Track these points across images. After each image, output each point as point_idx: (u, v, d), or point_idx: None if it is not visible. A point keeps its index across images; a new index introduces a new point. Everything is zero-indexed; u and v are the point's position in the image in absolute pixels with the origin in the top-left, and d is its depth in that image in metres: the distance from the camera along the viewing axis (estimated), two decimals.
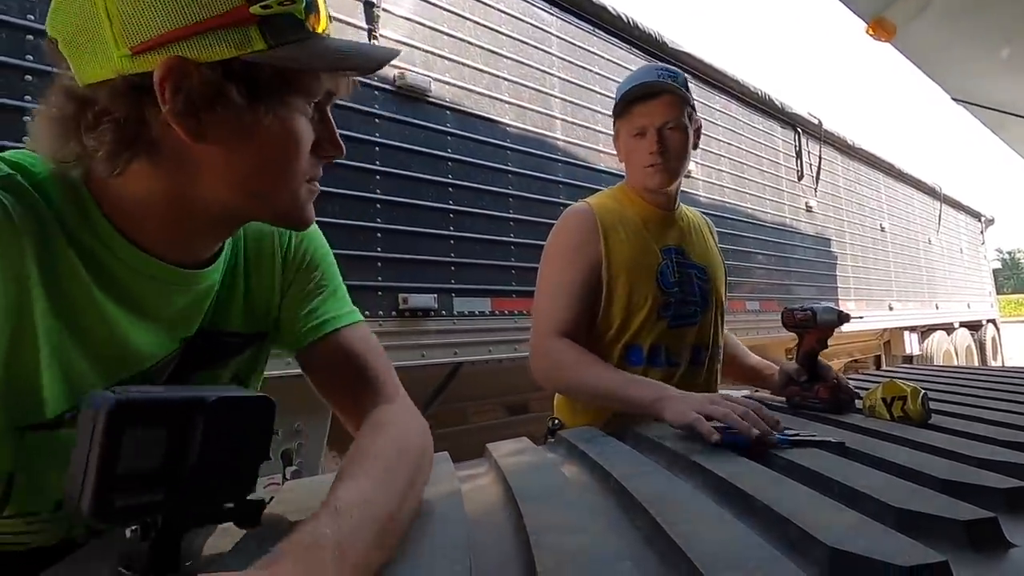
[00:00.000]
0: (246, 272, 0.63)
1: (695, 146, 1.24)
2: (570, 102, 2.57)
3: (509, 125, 2.30)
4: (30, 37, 1.26)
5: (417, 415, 0.66)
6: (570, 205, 1.28)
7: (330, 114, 0.54)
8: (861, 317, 4.34)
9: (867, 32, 2.26)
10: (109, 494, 0.27)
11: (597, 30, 2.77)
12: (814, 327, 1.08)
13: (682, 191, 1.31)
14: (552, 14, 2.55)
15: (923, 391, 0.89)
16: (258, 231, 0.63)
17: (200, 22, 0.42)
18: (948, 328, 6.40)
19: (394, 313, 1.85)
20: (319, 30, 0.49)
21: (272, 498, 0.65)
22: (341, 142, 0.55)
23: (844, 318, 1.06)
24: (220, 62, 0.43)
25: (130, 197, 0.49)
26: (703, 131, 1.28)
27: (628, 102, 1.17)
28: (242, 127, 0.46)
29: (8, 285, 0.43)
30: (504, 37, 2.32)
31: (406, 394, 0.68)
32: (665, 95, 1.15)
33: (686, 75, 1.23)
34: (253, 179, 0.49)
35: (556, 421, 1.19)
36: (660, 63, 1.27)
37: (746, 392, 1.20)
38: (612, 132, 1.29)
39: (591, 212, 1.19)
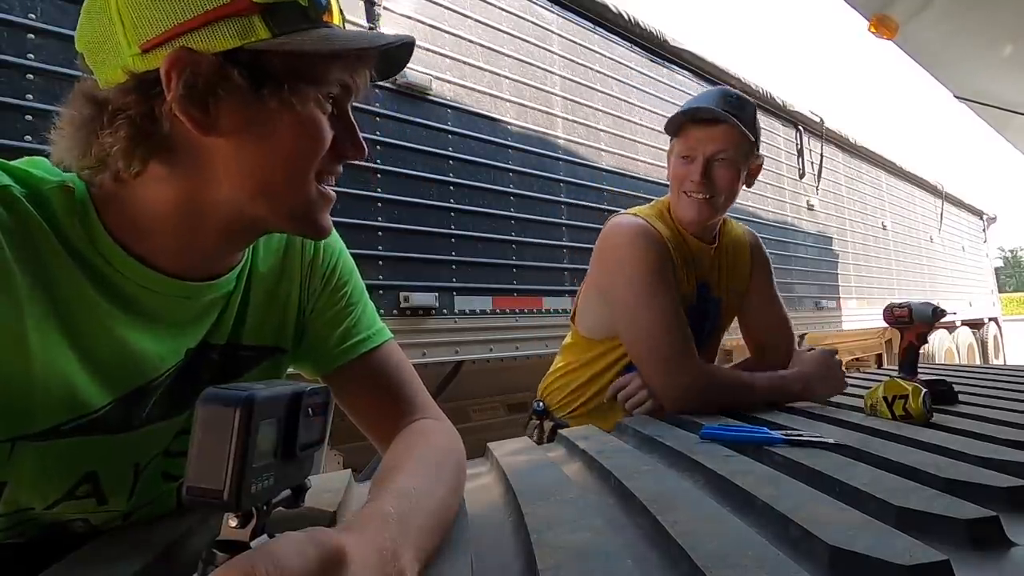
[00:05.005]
0: (265, 285, 0.61)
1: (748, 185, 1.18)
2: (572, 100, 2.57)
3: (510, 123, 2.29)
4: (31, 36, 1.26)
5: (453, 428, 0.66)
6: (618, 214, 1.19)
7: (351, 113, 0.53)
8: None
9: (869, 30, 2.26)
10: (247, 484, 0.30)
11: (598, 28, 2.76)
12: (911, 323, 1.09)
13: None
14: (553, 12, 2.54)
15: (924, 390, 0.89)
16: (279, 242, 0.62)
17: (202, 14, 0.43)
18: (950, 326, 6.39)
19: (395, 312, 1.85)
20: (332, 23, 0.49)
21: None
22: (363, 142, 0.54)
23: (939, 314, 1.08)
24: (226, 52, 0.44)
25: (141, 207, 0.48)
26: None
27: (683, 122, 1.12)
28: (251, 117, 0.46)
29: None
30: (505, 35, 2.32)
31: (439, 408, 0.69)
32: (723, 125, 1.08)
33: (756, 106, 1.15)
34: (264, 175, 0.48)
35: (540, 404, 1.19)
36: (733, 90, 1.16)
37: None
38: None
39: (660, 237, 1.11)
